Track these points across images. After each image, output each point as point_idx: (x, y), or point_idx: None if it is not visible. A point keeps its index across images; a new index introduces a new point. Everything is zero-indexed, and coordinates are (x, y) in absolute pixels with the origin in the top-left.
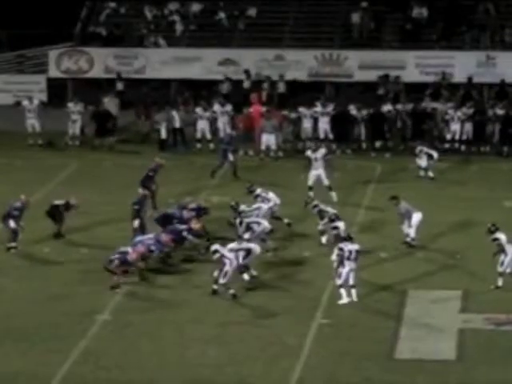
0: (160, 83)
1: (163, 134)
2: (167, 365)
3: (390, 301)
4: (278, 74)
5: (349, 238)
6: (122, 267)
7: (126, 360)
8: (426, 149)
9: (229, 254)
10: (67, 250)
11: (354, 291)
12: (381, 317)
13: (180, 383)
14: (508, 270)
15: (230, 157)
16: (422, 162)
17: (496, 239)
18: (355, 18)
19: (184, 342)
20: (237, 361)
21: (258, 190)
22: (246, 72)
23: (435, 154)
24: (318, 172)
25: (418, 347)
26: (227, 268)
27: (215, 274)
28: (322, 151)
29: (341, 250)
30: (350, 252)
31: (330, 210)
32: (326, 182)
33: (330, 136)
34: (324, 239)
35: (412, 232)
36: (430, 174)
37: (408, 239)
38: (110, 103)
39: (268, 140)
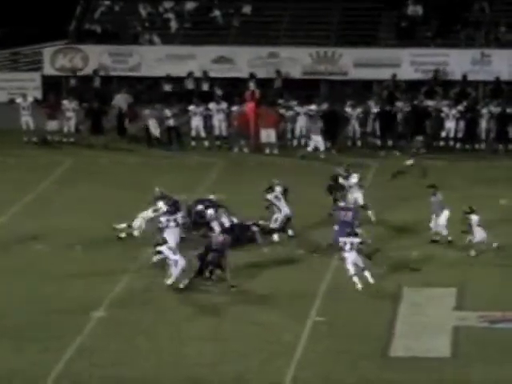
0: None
1: (153, 131)
2: (163, 362)
3: (384, 298)
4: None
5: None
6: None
7: (122, 358)
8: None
9: (173, 256)
10: (61, 248)
11: (366, 273)
12: (375, 314)
13: (176, 381)
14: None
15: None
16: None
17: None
18: None
19: (180, 339)
20: (233, 358)
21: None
22: (205, 73)
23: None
24: (354, 196)
25: (413, 345)
26: (173, 269)
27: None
28: (355, 176)
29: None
30: (352, 244)
31: (283, 206)
32: (361, 201)
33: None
34: (276, 236)
35: (444, 230)
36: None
37: (437, 238)
38: (121, 99)
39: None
